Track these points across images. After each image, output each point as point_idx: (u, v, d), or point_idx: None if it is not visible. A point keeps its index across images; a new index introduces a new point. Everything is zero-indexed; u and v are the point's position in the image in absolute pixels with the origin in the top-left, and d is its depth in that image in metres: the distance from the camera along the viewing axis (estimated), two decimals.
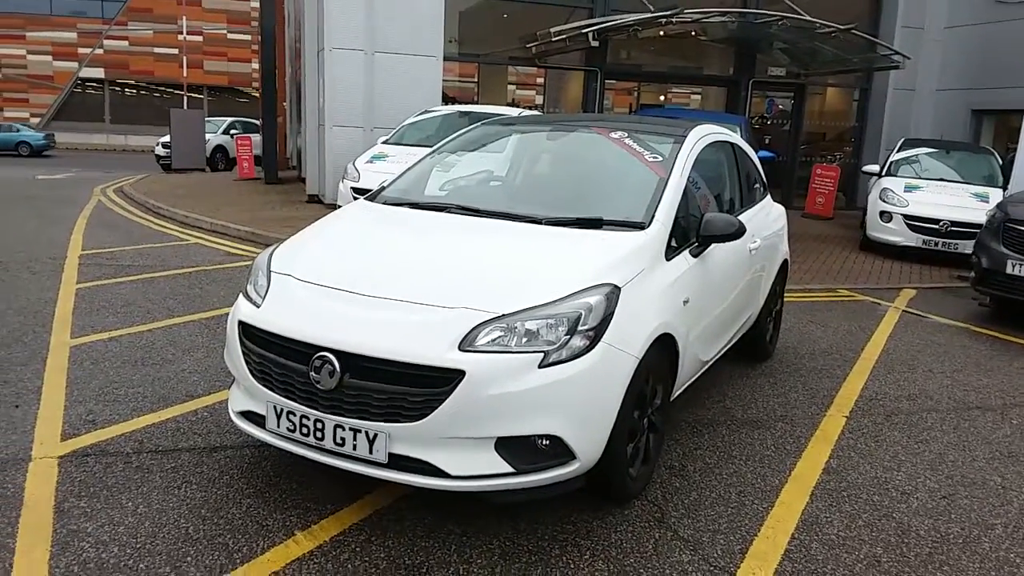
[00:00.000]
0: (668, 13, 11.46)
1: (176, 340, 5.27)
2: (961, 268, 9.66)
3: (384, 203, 4.05)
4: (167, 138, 21.97)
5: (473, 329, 2.82)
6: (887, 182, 11.35)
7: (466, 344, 2.80)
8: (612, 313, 2.99)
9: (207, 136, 22.52)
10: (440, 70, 12.57)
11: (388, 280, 3.13)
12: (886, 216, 10.85)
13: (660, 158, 3.96)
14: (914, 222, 10.59)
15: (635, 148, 4.08)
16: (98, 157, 28.57)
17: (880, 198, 11.05)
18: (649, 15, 11.85)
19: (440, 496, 3.10)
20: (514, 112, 9.84)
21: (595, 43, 11.82)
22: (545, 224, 3.54)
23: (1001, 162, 11.73)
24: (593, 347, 2.89)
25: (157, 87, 42.91)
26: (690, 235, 3.76)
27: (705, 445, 4.05)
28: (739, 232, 3.78)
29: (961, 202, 10.62)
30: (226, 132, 24.04)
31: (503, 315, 2.86)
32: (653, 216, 3.56)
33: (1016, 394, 5.24)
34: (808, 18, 12.28)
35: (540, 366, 2.80)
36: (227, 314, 5.70)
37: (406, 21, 12.15)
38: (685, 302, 3.57)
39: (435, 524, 3.07)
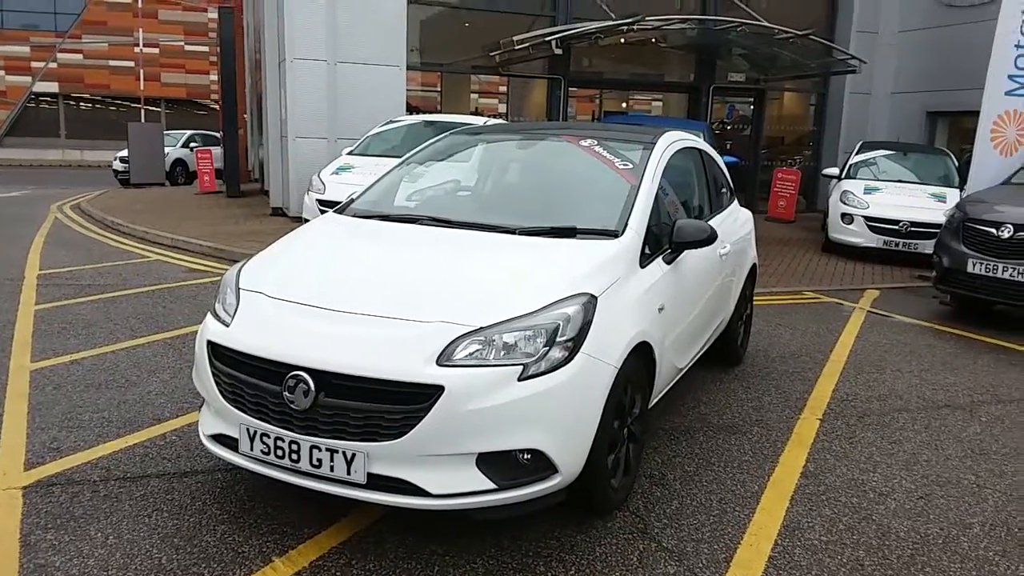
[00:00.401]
0: (630, 21, 11.54)
1: (140, 361, 5.13)
2: (921, 268, 9.84)
3: (354, 215, 3.99)
4: (125, 152, 21.54)
5: (451, 343, 2.78)
6: (847, 184, 11.53)
7: (444, 359, 2.75)
8: (590, 323, 2.96)
9: (166, 150, 22.11)
10: (404, 80, 12.51)
11: (361, 295, 3.07)
12: (847, 218, 11.02)
13: (630, 165, 3.96)
14: (875, 223, 10.77)
15: (605, 156, 4.07)
16: (54, 173, 27.92)
17: (841, 200, 11.23)
18: (611, 23, 11.92)
19: (420, 516, 3.04)
20: (479, 121, 9.82)
21: (558, 51, 11.86)
22: (518, 234, 3.51)
23: (956, 163, 11.99)
24: (572, 358, 2.87)
25: (113, 100, 42.18)
26: (663, 242, 3.76)
27: (683, 452, 4.04)
28: (711, 238, 3.78)
29: (919, 203, 10.83)
30: (185, 145, 23.64)
31: (480, 328, 2.82)
32: (626, 224, 3.55)
33: (982, 392, 5.33)
34: (767, 24, 12.47)
35: (520, 379, 2.77)
36: (193, 333, 5.58)
37: (368, 31, 12.07)
38: (660, 309, 3.57)
39: (416, 545, 3.01)
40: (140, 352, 5.34)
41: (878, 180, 11.66)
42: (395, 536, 3.06)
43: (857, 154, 12.41)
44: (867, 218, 10.83)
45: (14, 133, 40.87)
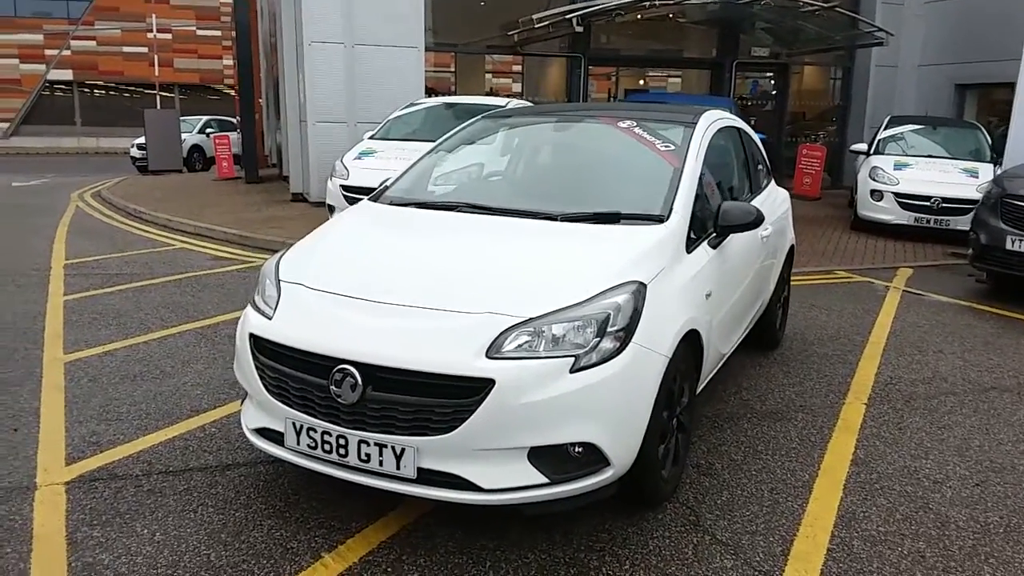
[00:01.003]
0: None
1: (174, 352, 5.10)
2: (954, 245, 9.66)
3: (390, 203, 3.91)
4: (142, 139, 21.56)
5: (500, 335, 2.70)
6: (876, 160, 11.31)
7: (493, 351, 2.68)
8: (640, 312, 2.88)
9: (183, 136, 22.12)
10: (422, 61, 12.38)
11: (406, 285, 3.00)
12: (877, 195, 10.82)
13: (672, 147, 3.85)
14: (905, 200, 10.56)
15: (646, 137, 3.96)
16: (71, 161, 28.00)
17: (870, 176, 11.02)
18: None
19: (467, 510, 2.97)
20: (502, 102, 9.68)
21: (579, 28, 11.69)
22: (561, 220, 3.42)
23: (988, 137, 11.72)
24: (624, 349, 2.78)
25: (127, 87, 42.21)
26: (708, 225, 3.66)
27: (729, 440, 3.96)
28: (758, 221, 3.68)
29: (951, 178, 10.61)
30: (202, 131, 23.63)
31: (530, 319, 2.75)
32: (672, 208, 3.45)
33: None
34: None
35: (571, 371, 2.69)
36: (224, 322, 5.56)
37: (385, 12, 11.94)
38: (708, 295, 3.48)
39: (467, 539, 2.95)
40: (172, 342, 5.31)
41: (908, 156, 11.43)
42: (444, 530, 3.01)
43: (885, 129, 12.17)
44: (897, 194, 10.62)
45: (30, 121, 41.01)
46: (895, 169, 10.96)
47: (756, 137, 5.27)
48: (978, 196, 9.72)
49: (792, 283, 7.48)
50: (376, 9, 11.89)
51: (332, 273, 3.18)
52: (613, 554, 2.89)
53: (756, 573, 2.80)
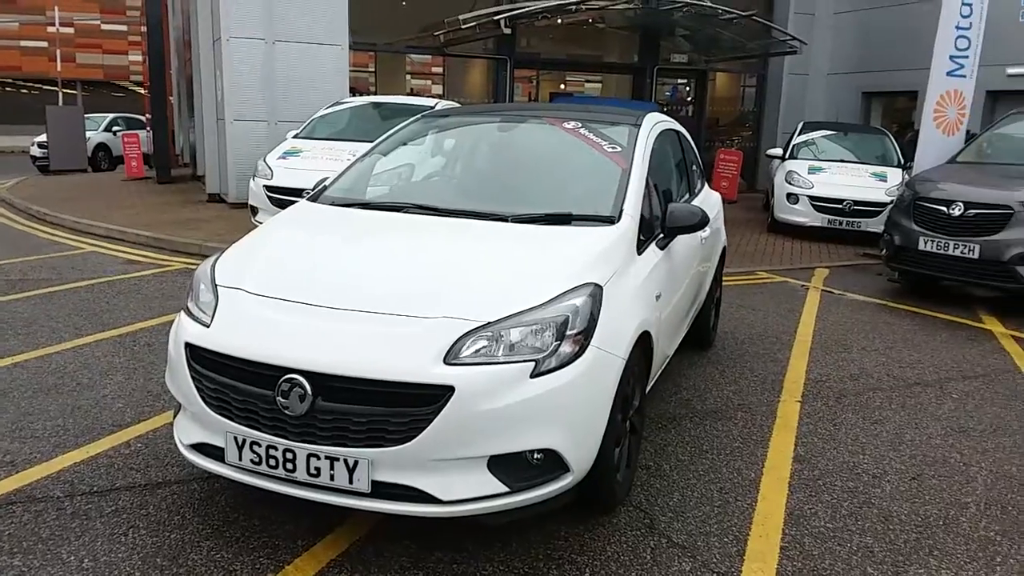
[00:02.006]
0: (578, 0, 11.41)
1: (90, 362, 4.79)
2: (865, 245, 10.07)
3: (331, 204, 3.76)
4: (43, 137, 20.40)
5: (458, 340, 2.61)
6: (792, 165, 11.69)
7: (451, 357, 2.59)
8: (598, 314, 2.83)
9: (88, 134, 21.04)
10: (347, 59, 12.12)
11: (355, 289, 2.87)
12: (793, 198, 11.18)
13: (619, 148, 3.84)
14: (819, 202, 10.95)
15: (592, 138, 3.94)
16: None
17: (786, 180, 11.38)
18: (559, 2, 11.78)
19: (419, 522, 2.86)
20: (431, 103, 9.55)
21: (507, 30, 11.67)
22: (511, 221, 3.35)
23: (895, 142, 12.28)
24: (583, 352, 2.73)
25: (26, 83, 39.98)
26: (655, 227, 3.66)
27: (674, 441, 3.97)
28: (703, 222, 3.71)
29: (862, 182, 11.06)
30: (108, 129, 22.57)
31: (488, 323, 2.67)
32: (622, 209, 3.43)
33: (947, 368, 5.43)
34: (710, 5, 12.51)
35: (532, 376, 2.62)
36: (141, 329, 5.27)
37: (308, 7, 11.62)
38: (657, 297, 3.47)
39: (421, 553, 2.84)
40: (88, 352, 4.99)
41: (821, 160, 11.85)
42: (397, 545, 2.89)
43: (799, 134, 12.60)
44: (812, 198, 11.01)
45: None
46: (809, 173, 11.35)
47: (691, 141, 5.33)
48: (887, 199, 10.19)
49: None
50: (298, 4, 11.56)
51: (274, 276, 3.02)
52: (572, 562, 2.84)
53: (714, 575, 2.80)
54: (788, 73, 16.20)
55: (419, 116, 4.51)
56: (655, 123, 4.20)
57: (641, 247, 3.45)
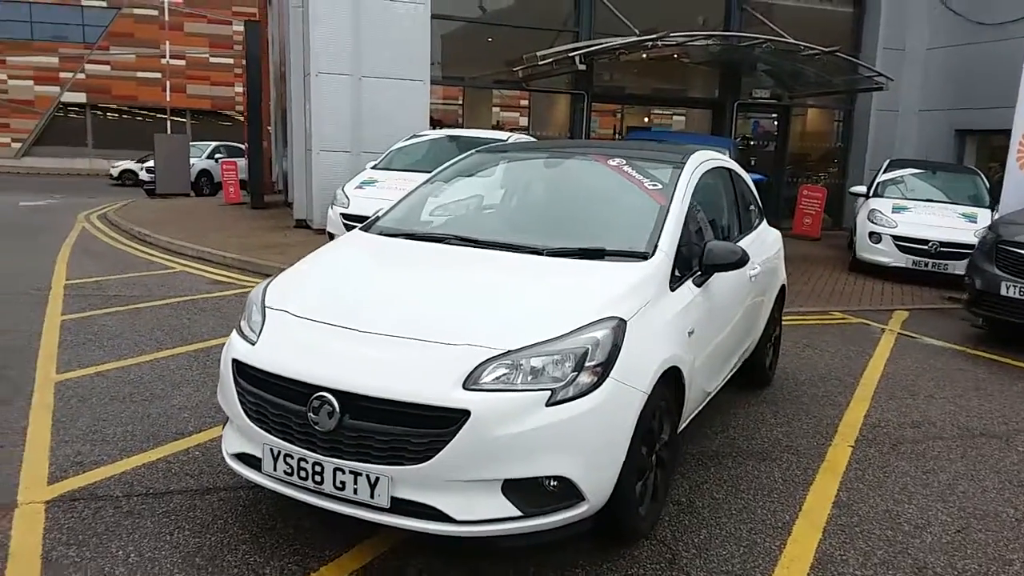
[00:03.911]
0: (653, 37, 11.50)
1: (165, 374, 5.13)
2: (951, 289, 9.67)
3: (380, 233, 3.96)
4: (151, 163, 21.80)
5: (478, 367, 2.73)
6: (875, 203, 11.39)
7: (470, 383, 2.70)
8: (619, 347, 2.90)
9: (192, 160, 22.37)
10: (427, 94, 12.54)
11: (388, 315, 3.03)
12: (875, 237, 10.87)
13: (660, 186, 3.90)
14: (903, 243, 10.61)
15: (634, 175, 4.02)
16: (81, 182, 28.26)
17: (869, 219, 11.08)
18: (635, 39, 11.90)
19: (441, 541, 2.97)
20: (504, 136, 9.80)
21: (582, 66, 11.84)
22: (546, 255, 3.46)
23: (987, 182, 11.80)
24: (601, 383, 2.81)
25: (140, 111, 42.68)
26: (693, 264, 3.69)
27: (712, 479, 3.95)
28: (742, 260, 3.72)
29: (949, 223, 10.67)
30: (211, 156, 23.94)
31: (508, 351, 2.78)
32: (656, 246, 3.49)
33: (1019, 420, 5.19)
34: (792, 41, 12.38)
35: (547, 404, 2.71)
36: (217, 346, 5.58)
37: (392, 45, 12.12)
38: (690, 333, 3.50)
39: (439, 570, 2.95)
40: (164, 364, 5.34)
41: (906, 199, 11.50)
42: (417, 560, 3.01)
43: (885, 172, 12.26)
44: (896, 237, 10.68)
45: (43, 142, 41.43)
46: (894, 212, 11.02)
47: (748, 178, 5.32)
48: (975, 241, 9.78)
49: (787, 323, 7.51)
50: (384, 43, 12.08)
51: (317, 301, 3.22)
52: None
53: None
54: (876, 109, 15.78)
55: (474, 151, 4.69)
56: (701, 161, 4.25)
57: (676, 283, 3.50)
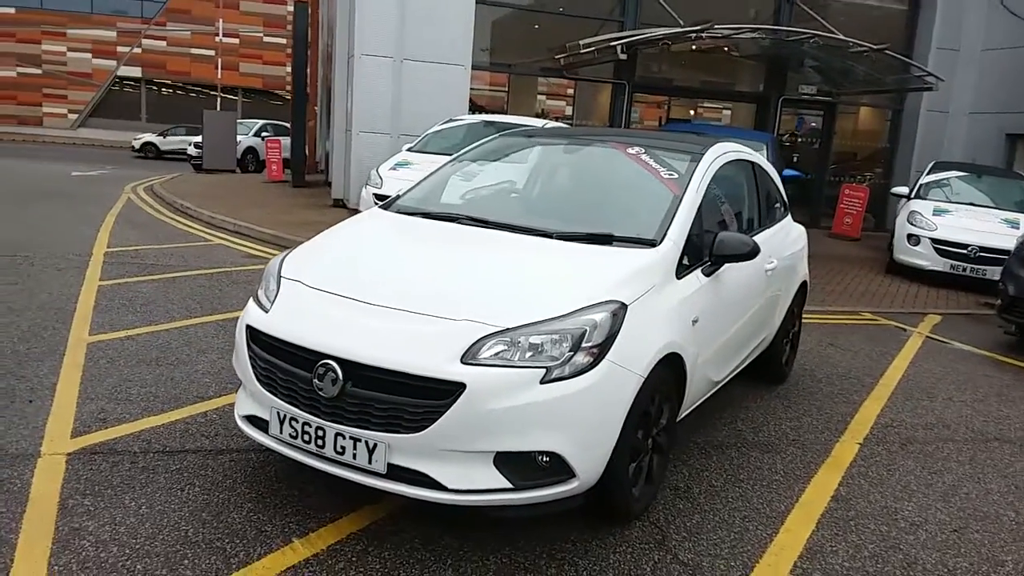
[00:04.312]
0: (698, 28, 11.42)
1: (192, 341, 5.32)
2: (988, 295, 9.49)
3: (398, 212, 4.06)
4: (199, 138, 22.27)
5: (476, 342, 2.82)
6: (916, 205, 11.20)
7: (468, 357, 2.79)
8: (618, 331, 2.96)
9: (238, 138, 22.79)
10: (468, 79, 12.62)
11: (395, 290, 3.13)
12: (913, 239, 10.71)
13: (676, 175, 3.94)
14: (942, 246, 10.44)
15: (651, 164, 4.05)
16: (133, 155, 28.99)
17: (908, 221, 10.92)
18: (679, 30, 11.82)
19: (440, 508, 3.07)
20: (539, 123, 9.84)
21: (623, 56, 11.81)
22: (555, 238, 3.53)
23: None
24: (597, 364, 2.87)
25: (193, 88, 43.56)
26: (703, 253, 3.72)
27: (713, 467, 4.00)
28: (753, 252, 3.73)
29: (991, 227, 10.46)
30: (257, 134, 24.33)
31: (507, 329, 2.85)
32: (665, 234, 3.53)
33: None
34: (841, 37, 12.18)
35: (542, 382, 2.79)
36: None
37: (437, 30, 12.23)
38: (695, 321, 3.54)
39: (433, 536, 3.06)
40: (192, 332, 5.53)
41: (949, 202, 11.29)
42: (414, 527, 3.12)
43: (929, 174, 12.04)
44: (934, 240, 10.51)
45: (98, 114, 42.58)
46: (934, 215, 10.84)
47: (773, 173, 5.31)
48: None
49: (814, 321, 7.50)
50: (427, 26, 12.19)
51: (330, 273, 3.34)
52: (572, 564, 2.97)
53: None
54: (926, 110, 15.45)
55: (497, 135, 4.77)
56: (721, 153, 4.26)
57: (683, 272, 3.54)
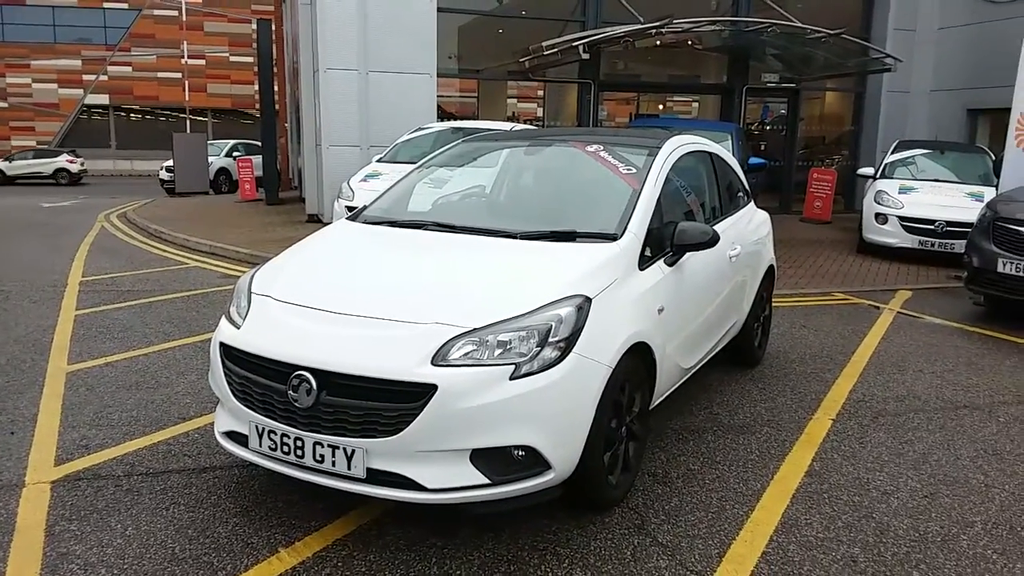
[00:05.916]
0: (657, 24, 11.56)
1: (171, 363, 5.35)
2: (957, 268, 9.65)
3: (365, 222, 4.13)
4: (171, 162, 22.20)
5: (445, 343, 2.89)
6: (882, 184, 11.39)
7: (439, 359, 2.86)
8: (583, 324, 3.05)
9: (210, 159, 22.74)
10: (434, 87, 12.70)
11: (364, 298, 3.20)
12: (881, 218, 10.88)
13: (634, 170, 4.03)
14: (909, 223, 10.62)
15: (609, 161, 4.15)
16: (105, 182, 28.83)
17: (875, 200, 11.09)
18: (639, 27, 11.96)
19: (422, 510, 3.15)
20: (507, 127, 9.93)
21: (585, 56, 11.93)
22: (520, 239, 3.61)
23: (995, 161, 11.74)
24: (564, 358, 2.95)
25: (162, 111, 43.35)
26: (665, 244, 3.81)
27: (690, 451, 4.09)
28: (713, 240, 3.83)
29: (956, 202, 10.65)
30: (229, 154, 24.28)
31: (474, 329, 2.93)
32: (626, 227, 3.62)
33: (1004, 392, 5.27)
34: (798, 24, 12.38)
35: (512, 378, 2.86)
36: None
37: (399, 40, 12.30)
38: (660, 311, 3.63)
39: (417, 538, 3.12)
40: (171, 355, 5.56)
41: (914, 179, 11.49)
42: (398, 529, 3.18)
43: (893, 153, 12.24)
44: (901, 218, 10.69)
45: (67, 144, 42.09)
46: (900, 193, 11.02)
47: (733, 162, 5.42)
48: None
49: (786, 304, 7.63)
50: (390, 37, 12.25)
51: (298, 286, 3.40)
52: (554, 553, 3.04)
53: (689, 573, 2.94)
54: (887, 91, 15.71)
55: (459, 141, 4.85)
56: (678, 146, 4.36)
57: (646, 263, 3.63)
